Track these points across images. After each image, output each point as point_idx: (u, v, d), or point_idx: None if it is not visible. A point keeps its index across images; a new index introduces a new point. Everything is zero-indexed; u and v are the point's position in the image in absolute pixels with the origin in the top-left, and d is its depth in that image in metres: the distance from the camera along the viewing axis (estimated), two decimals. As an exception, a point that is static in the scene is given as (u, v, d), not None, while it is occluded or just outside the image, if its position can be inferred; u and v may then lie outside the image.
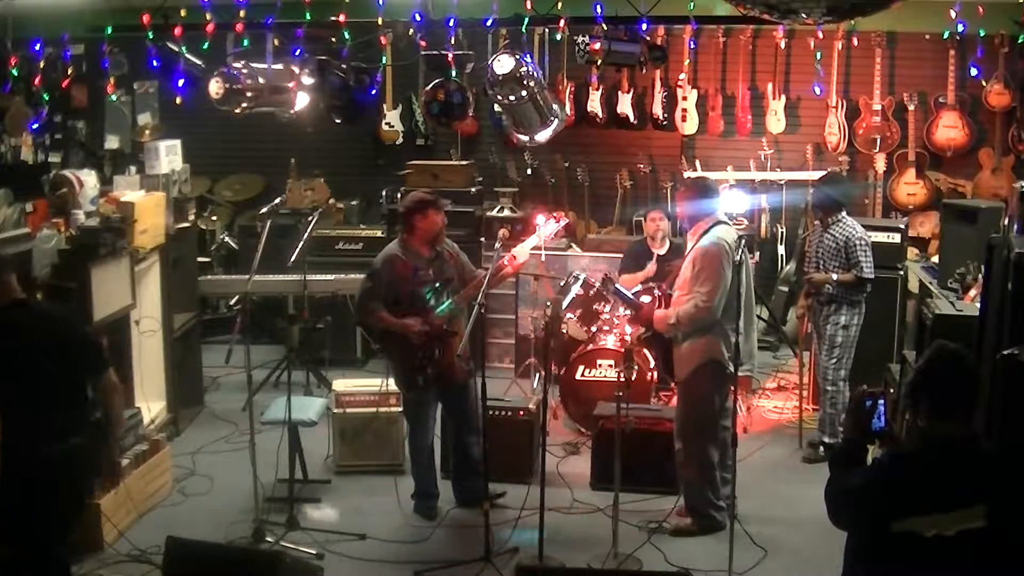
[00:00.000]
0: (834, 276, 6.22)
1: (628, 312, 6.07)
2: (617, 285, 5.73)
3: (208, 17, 6.75)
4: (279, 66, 6.31)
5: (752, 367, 5.68)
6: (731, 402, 5.33)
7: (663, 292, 5.43)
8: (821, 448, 6.36)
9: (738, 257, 5.09)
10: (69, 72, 9.41)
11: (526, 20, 7.09)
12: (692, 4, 7.80)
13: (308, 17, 7.04)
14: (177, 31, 6.39)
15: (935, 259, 7.38)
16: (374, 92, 7.14)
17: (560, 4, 6.94)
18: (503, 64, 6.10)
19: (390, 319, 5.41)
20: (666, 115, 9.02)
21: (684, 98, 8.95)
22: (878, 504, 2.85)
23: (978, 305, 4.89)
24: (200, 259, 8.32)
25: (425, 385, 5.48)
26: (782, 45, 8.77)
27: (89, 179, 6.34)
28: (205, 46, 6.60)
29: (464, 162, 8.95)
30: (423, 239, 5.46)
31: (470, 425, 5.60)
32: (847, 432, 3.21)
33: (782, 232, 8.92)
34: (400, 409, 6.18)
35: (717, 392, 5.20)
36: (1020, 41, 8.22)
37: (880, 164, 8.73)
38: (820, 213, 6.47)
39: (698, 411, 5.27)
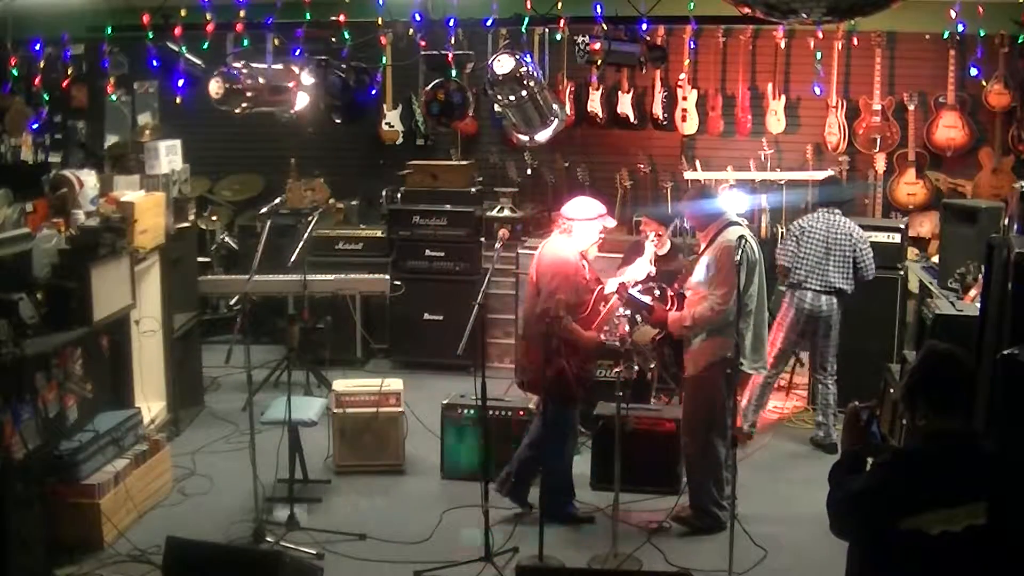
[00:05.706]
0: None
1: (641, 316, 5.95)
2: (631, 291, 5.55)
3: (208, 17, 6.76)
4: (279, 66, 6.32)
5: (763, 366, 5.70)
6: (731, 402, 5.34)
7: (675, 292, 5.44)
8: (832, 432, 6.45)
9: (755, 257, 5.21)
10: (69, 72, 9.40)
11: (526, 20, 7.10)
12: (692, 4, 7.80)
13: (308, 17, 7.06)
14: (177, 31, 6.40)
15: (935, 259, 7.37)
16: (374, 92, 7.14)
17: (560, 4, 6.95)
18: (503, 64, 6.10)
19: (583, 333, 5.31)
20: (666, 115, 9.01)
21: (684, 98, 8.94)
22: (882, 503, 2.84)
23: (978, 305, 4.90)
24: (200, 259, 8.31)
25: (583, 398, 5.47)
26: (782, 45, 8.75)
27: (89, 179, 6.34)
28: (205, 46, 6.61)
29: (464, 162, 8.95)
30: (586, 247, 5.45)
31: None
32: (845, 446, 3.20)
33: (782, 232, 8.91)
34: (400, 409, 6.18)
35: (727, 389, 5.21)
36: (1020, 41, 8.20)
37: (880, 164, 8.71)
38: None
39: (708, 407, 5.29)
